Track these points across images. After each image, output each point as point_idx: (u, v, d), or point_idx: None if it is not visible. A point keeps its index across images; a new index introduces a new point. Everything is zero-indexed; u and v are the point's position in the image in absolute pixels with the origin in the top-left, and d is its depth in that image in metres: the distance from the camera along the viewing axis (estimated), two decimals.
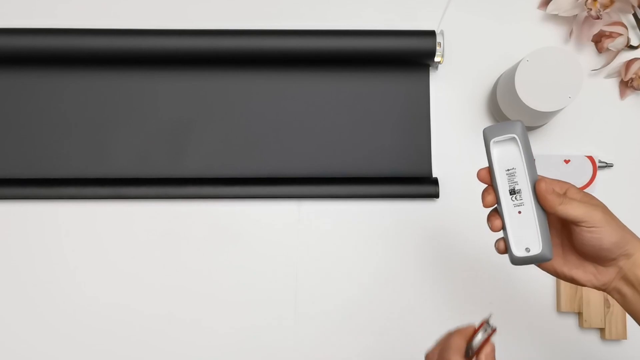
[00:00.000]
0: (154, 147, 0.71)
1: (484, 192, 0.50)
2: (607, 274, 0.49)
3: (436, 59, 0.69)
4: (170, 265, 0.71)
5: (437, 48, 0.69)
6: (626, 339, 0.70)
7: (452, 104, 0.73)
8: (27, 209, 0.71)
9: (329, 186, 0.71)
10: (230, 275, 0.71)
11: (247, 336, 0.71)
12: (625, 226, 0.48)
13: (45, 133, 0.71)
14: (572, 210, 0.46)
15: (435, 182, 0.71)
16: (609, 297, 0.69)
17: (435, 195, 0.71)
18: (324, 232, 0.72)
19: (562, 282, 0.70)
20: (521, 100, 0.62)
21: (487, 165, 0.50)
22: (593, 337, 0.71)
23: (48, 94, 0.71)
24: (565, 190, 0.48)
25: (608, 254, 0.47)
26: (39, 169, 0.71)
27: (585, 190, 0.70)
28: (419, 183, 0.71)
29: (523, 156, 0.48)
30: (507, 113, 0.68)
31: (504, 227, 0.49)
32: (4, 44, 0.68)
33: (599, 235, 0.46)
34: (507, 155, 0.49)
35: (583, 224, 0.46)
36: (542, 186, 0.47)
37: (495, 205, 0.50)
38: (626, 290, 0.48)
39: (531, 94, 0.62)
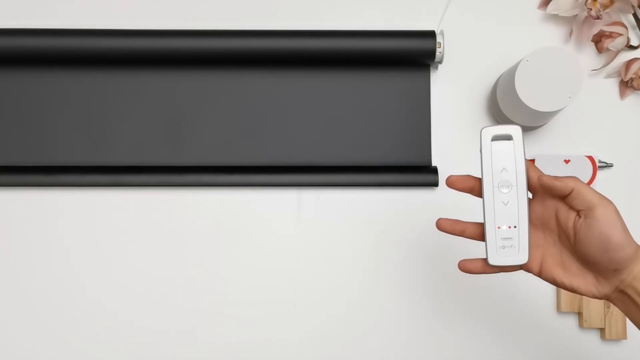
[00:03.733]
0: (154, 136, 0.71)
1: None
2: (607, 286, 0.48)
3: (436, 59, 0.69)
4: (169, 253, 0.71)
5: (437, 48, 0.69)
6: (626, 339, 0.70)
7: (452, 104, 0.73)
8: (26, 196, 0.72)
9: (329, 175, 0.71)
10: (230, 262, 0.71)
11: (246, 323, 0.71)
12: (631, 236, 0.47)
13: (46, 121, 0.71)
14: (585, 192, 0.47)
15: (434, 170, 0.71)
16: None
17: (435, 184, 0.71)
18: (324, 221, 0.72)
19: None
20: (521, 100, 0.62)
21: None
22: (593, 337, 0.71)
23: (50, 87, 0.71)
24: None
25: (613, 255, 0.46)
26: (38, 157, 0.71)
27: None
28: (419, 172, 0.71)
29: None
30: (507, 113, 0.68)
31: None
32: (7, 44, 0.68)
33: (610, 224, 0.46)
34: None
35: (597, 208, 0.46)
36: (544, 179, 0.48)
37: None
38: (627, 300, 0.48)
39: (531, 94, 0.62)
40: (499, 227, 0.49)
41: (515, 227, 0.49)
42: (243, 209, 0.72)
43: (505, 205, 0.49)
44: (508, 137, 0.49)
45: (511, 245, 0.49)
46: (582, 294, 0.49)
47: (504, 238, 0.49)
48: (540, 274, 0.51)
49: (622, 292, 0.48)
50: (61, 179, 0.70)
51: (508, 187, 0.49)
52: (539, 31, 0.73)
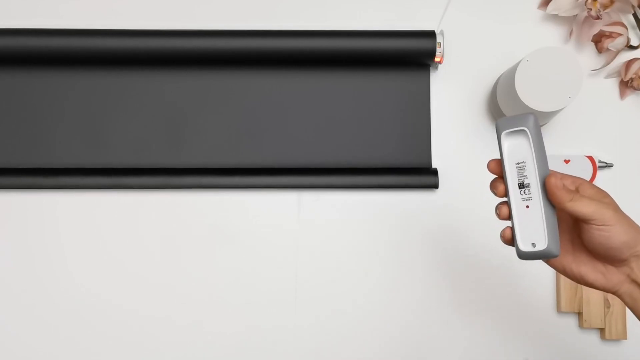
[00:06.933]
0: (154, 138, 0.71)
1: (495, 182, 0.49)
2: (616, 275, 0.48)
3: (436, 59, 0.69)
4: (169, 255, 0.71)
5: (437, 48, 0.69)
6: (626, 339, 0.70)
7: (452, 104, 0.73)
8: (26, 198, 0.72)
9: (329, 177, 0.71)
10: (230, 265, 0.71)
11: (246, 324, 0.71)
12: (637, 226, 0.47)
13: (46, 123, 0.71)
14: (581, 207, 0.45)
15: (434, 172, 0.71)
16: (610, 297, 0.69)
17: (435, 186, 0.71)
18: (324, 223, 0.72)
19: (563, 282, 0.70)
20: (521, 100, 0.62)
21: (493, 158, 0.49)
22: (593, 337, 0.71)
23: (49, 87, 0.72)
24: (578, 185, 0.47)
25: (618, 253, 0.46)
26: (38, 159, 0.71)
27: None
28: (419, 173, 0.71)
29: (533, 150, 0.47)
30: (507, 113, 0.68)
31: (511, 220, 0.48)
32: (7, 44, 0.68)
33: (608, 233, 0.45)
34: (517, 148, 0.48)
35: (592, 222, 0.45)
36: (552, 181, 0.46)
37: (505, 198, 0.49)
38: (638, 294, 0.47)
39: (531, 94, 0.62)
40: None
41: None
42: (243, 210, 0.72)
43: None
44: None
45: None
46: (590, 284, 0.48)
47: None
48: (549, 261, 0.50)
49: (634, 281, 0.47)
50: (60, 181, 0.70)
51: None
52: (539, 31, 0.73)
